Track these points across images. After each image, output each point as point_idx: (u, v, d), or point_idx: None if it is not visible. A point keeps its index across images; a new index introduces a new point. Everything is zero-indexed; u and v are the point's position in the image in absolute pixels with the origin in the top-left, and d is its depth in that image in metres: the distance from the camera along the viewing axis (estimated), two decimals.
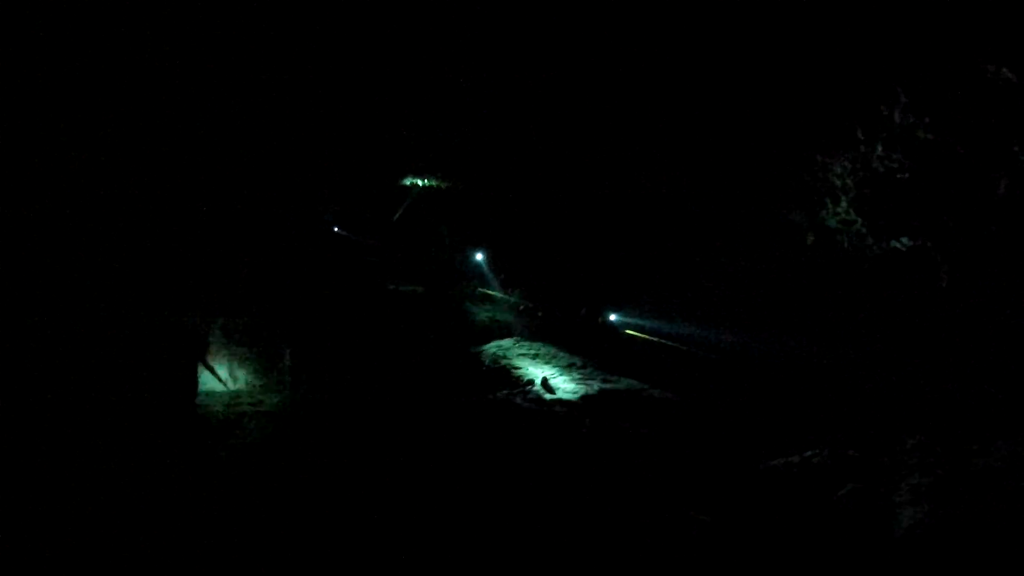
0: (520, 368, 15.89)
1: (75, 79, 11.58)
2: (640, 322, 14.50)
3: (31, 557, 7.05)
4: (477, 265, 19.59)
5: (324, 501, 9.49)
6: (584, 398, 13.95)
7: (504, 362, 16.30)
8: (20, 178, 11.62)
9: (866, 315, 9.54)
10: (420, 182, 17.40)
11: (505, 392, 14.31)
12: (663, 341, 13.60)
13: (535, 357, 16.42)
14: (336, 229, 19.47)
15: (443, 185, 17.39)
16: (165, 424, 10.91)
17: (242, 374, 13.69)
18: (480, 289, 19.28)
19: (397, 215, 18.87)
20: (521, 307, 18.15)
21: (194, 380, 12.72)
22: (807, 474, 7.12)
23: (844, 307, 9.94)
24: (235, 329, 13.77)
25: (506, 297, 18.95)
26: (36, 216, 11.68)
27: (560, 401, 13.77)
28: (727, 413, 9.79)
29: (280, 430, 12.27)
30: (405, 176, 17.28)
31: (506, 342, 17.64)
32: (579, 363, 15.58)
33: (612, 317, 15.49)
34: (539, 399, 13.74)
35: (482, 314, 18.75)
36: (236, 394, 13.34)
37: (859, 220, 10.32)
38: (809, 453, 7.55)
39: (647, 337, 14.13)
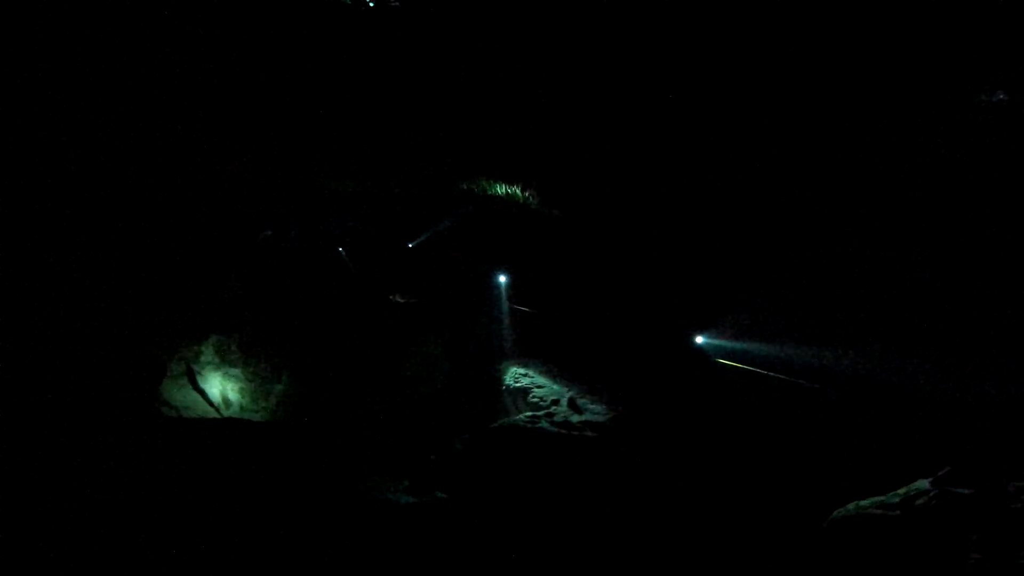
0: (543, 387, 14.46)
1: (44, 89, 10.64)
2: (727, 344, 12.38)
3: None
4: (507, 280, 18.16)
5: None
6: (615, 420, 12.48)
7: (526, 380, 14.87)
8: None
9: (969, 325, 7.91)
10: (492, 188, 15.59)
11: (529, 415, 12.88)
12: (757, 370, 11.49)
13: (556, 376, 14.94)
14: (341, 250, 18.18)
15: (522, 195, 15.56)
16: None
17: (236, 398, 12.46)
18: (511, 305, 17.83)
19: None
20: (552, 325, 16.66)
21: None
22: (910, 521, 5.54)
23: (940, 316, 8.28)
24: (228, 348, 12.56)
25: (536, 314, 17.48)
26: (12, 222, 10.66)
27: (589, 423, 12.31)
28: (799, 436, 8.21)
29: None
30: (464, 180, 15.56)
31: (529, 362, 16.21)
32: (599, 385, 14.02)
33: (700, 340, 13.25)
34: (566, 422, 12.28)
35: (504, 332, 17.34)
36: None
37: None
38: (908, 491, 5.96)
39: (743, 367, 11.87)
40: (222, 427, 11.76)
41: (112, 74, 11.02)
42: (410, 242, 20.22)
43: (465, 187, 15.97)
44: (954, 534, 5.17)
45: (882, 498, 5.97)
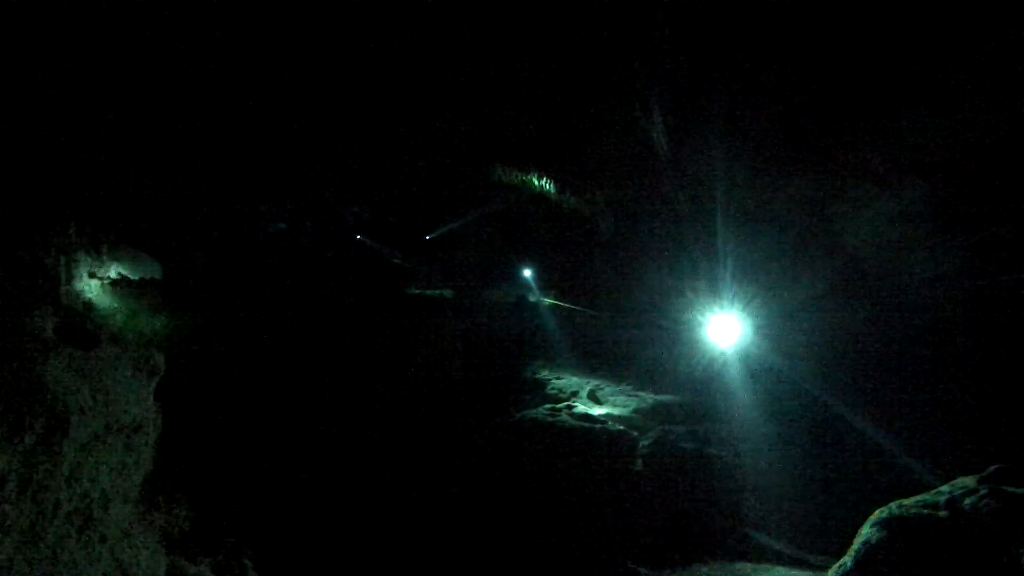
0: (562, 378, 14.10)
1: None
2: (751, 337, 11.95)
3: None
4: (527, 269, 17.73)
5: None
6: (637, 412, 12.08)
7: (545, 372, 14.52)
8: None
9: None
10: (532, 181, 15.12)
11: (548, 407, 12.54)
12: (786, 363, 11.02)
13: (575, 367, 14.56)
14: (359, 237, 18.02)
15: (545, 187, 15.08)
16: None
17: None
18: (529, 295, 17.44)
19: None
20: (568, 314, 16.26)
21: None
22: (959, 522, 5.09)
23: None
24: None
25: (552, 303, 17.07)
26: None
27: (611, 416, 11.92)
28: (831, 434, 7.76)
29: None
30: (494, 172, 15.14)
31: (548, 352, 15.84)
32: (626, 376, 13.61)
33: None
34: (586, 415, 11.92)
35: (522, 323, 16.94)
36: None
37: None
38: (952, 489, 5.49)
39: (772, 361, 11.48)
40: (228, 421, 11.64)
41: (131, 80, 10.89)
42: (428, 234, 19.97)
43: (482, 178, 15.63)
44: (1011, 538, 4.71)
45: (925, 497, 5.51)
